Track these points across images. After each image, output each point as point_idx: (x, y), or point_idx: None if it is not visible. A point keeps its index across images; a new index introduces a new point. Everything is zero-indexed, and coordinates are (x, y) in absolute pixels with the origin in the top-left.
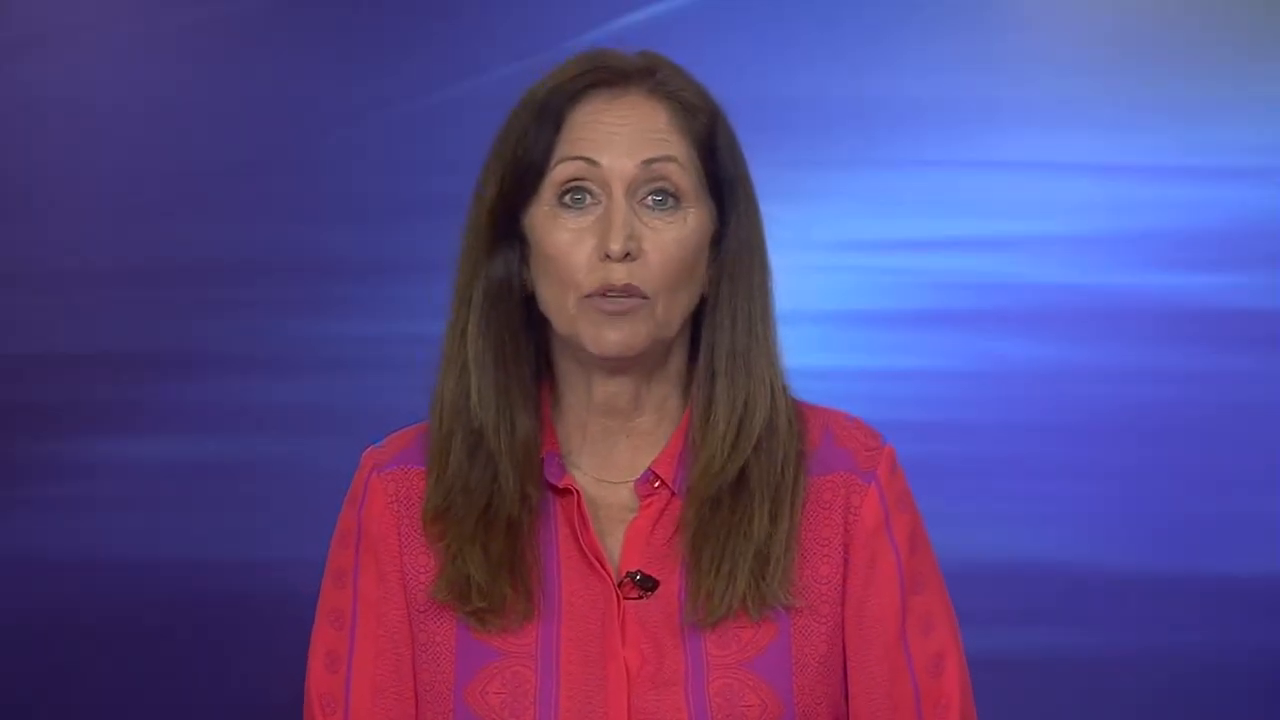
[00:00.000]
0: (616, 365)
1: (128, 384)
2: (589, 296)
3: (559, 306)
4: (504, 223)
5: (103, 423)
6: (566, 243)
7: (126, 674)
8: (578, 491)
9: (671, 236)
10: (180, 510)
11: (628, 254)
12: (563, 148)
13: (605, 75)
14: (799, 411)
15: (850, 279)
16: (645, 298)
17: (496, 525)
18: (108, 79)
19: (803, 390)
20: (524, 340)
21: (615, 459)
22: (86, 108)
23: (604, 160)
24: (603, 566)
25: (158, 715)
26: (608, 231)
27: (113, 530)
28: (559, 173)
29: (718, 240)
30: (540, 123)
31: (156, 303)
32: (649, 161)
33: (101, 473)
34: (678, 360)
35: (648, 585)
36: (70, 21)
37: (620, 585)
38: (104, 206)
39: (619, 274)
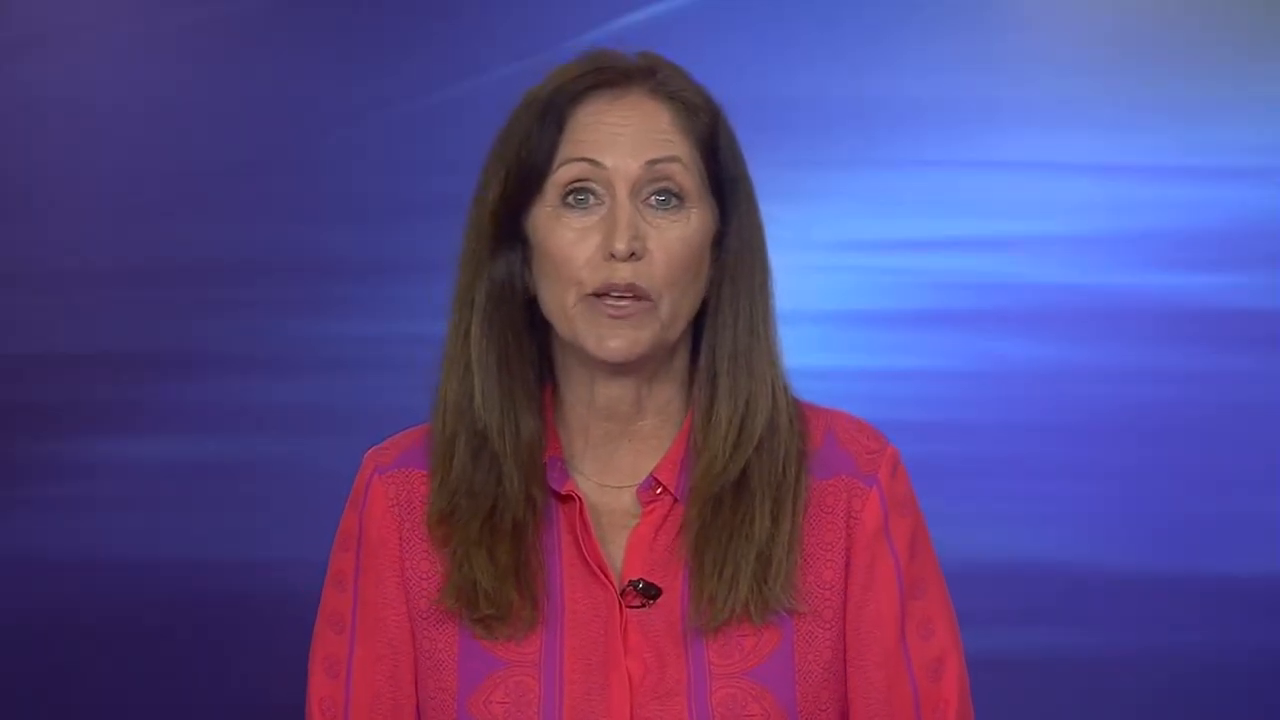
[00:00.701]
0: (619, 368)
1: (128, 384)
2: (591, 296)
3: (560, 307)
4: (506, 224)
5: (103, 423)
6: (569, 242)
7: (126, 674)
8: (580, 498)
9: (676, 235)
10: (180, 510)
11: (633, 253)
12: (566, 149)
13: (607, 76)
14: (800, 411)
15: (850, 279)
16: (650, 299)
17: (502, 529)
18: (108, 79)
19: (803, 390)
20: (527, 343)
21: (617, 463)
22: (86, 108)
23: (608, 161)
24: (605, 575)
25: (158, 715)
26: (613, 231)
27: (113, 530)
28: (563, 174)
29: (719, 240)
30: (543, 124)
31: (156, 303)
32: (653, 162)
33: (101, 473)
34: (680, 362)
35: (650, 593)
36: (70, 21)
37: (623, 594)
38: (104, 206)
39: (623, 273)
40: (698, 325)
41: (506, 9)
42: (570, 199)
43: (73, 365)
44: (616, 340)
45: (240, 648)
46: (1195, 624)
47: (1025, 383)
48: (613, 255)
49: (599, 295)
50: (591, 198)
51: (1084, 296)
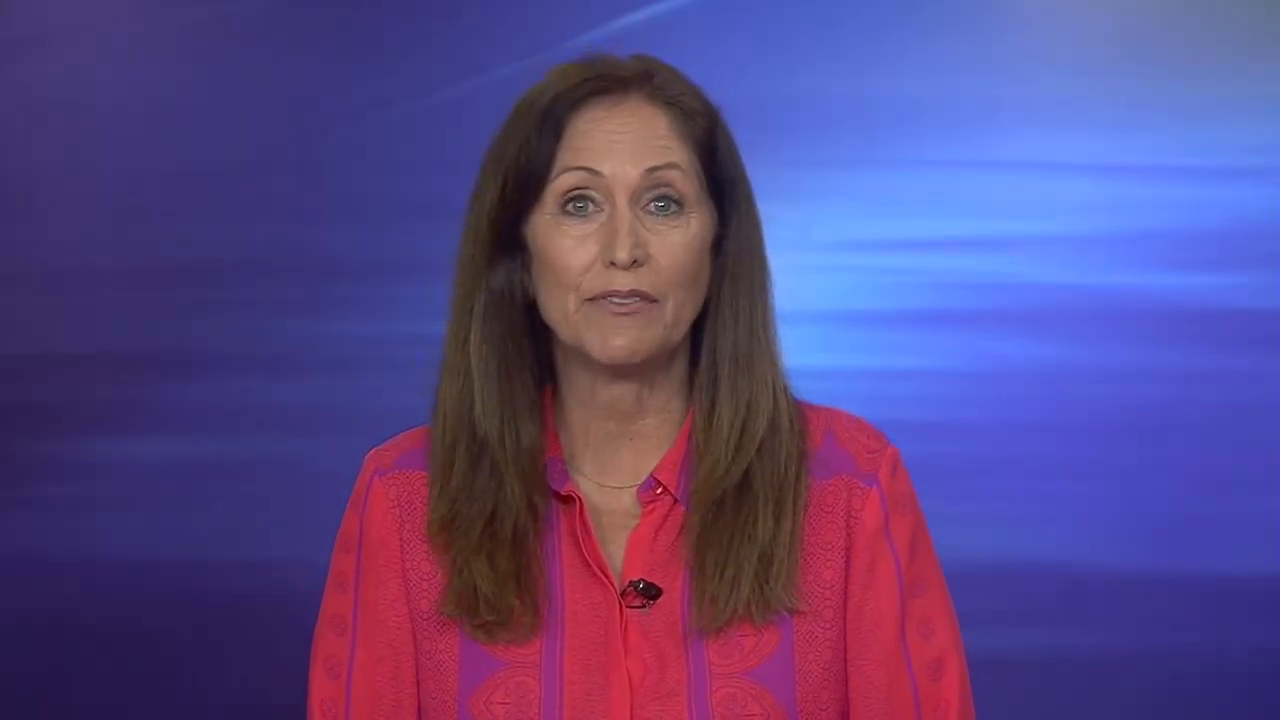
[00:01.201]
0: (621, 370)
1: (128, 384)
2: (592, 300)
3: (562, 312)
4: (505, 231)
5: (103, 423)
6: (568, 248)
7: (126, 674)
8: (580, 499)
9: (677, 240)
10: (180, 510)
11: (634, 261)
12: (565, 157)
13: (604, 83)
14: (800, 411)
15: (850, 279)
16: (654, 300)
17: (502, 535)
18: (108, 79)
19: (803, 390)
20: (527, 348)
21: (618, 463)
22: (86, 108)
23: (606, 169)
24: (605, 576)
25: (158, 715)
26: (613, 239)
27: (113, 530)
28: (561, 183)
29: (717, 242)
30: (540, 131)
31: (156, 303)
32: (652, 169)
33: (101, 473)
34: (680, 363)
35: (651, 594)
36: (70, 21)
37: (623, 594)
38: (104, 206)
39: (624, 280)
40: (697, 327)
41: (506, 9)
42: (569, 207)
43: (73, 365)
44: (620, 339)
45: (240, 648)
46: (1195, 624)
47: (1025, 383)
48: (613, 264)
49: (601, 298)
50: (591, 205)
51: (1084, 296)
